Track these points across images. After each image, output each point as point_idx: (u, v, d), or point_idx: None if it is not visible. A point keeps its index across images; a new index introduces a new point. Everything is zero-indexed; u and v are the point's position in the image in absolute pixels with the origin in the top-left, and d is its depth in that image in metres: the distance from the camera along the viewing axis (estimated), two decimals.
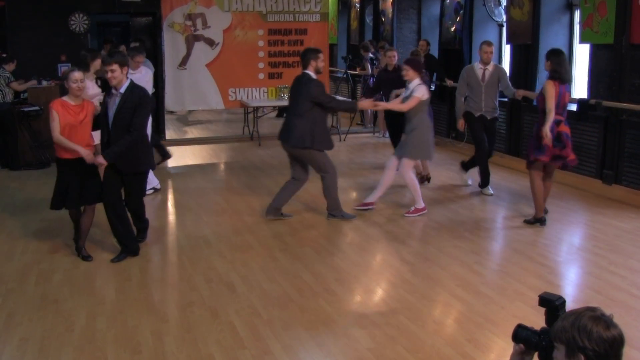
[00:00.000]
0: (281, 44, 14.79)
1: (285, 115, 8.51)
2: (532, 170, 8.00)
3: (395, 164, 8.66)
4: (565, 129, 7.83)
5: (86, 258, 7.02)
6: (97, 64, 8.83)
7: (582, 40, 10.10)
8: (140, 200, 7.30)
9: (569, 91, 8.13)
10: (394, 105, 8.71)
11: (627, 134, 9.24)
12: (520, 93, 9.46)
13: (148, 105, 6.96)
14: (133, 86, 6.81)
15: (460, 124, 9.87)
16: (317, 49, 8.58)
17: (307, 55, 8.25)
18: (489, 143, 9.70)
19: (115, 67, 6.64)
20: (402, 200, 9.42)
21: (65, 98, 6.93)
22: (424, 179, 10.30)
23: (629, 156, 9.22)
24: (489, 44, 9.62)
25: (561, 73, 7.78)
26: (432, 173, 10.61)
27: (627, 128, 9.25)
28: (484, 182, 9.71)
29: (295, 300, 5.96)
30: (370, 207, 8.75)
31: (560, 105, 7.81)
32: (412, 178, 8.65)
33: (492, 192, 9.59)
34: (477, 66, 9.63)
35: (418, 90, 8.42)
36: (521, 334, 2.87)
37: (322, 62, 8.33)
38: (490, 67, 9.53)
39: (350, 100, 8.07)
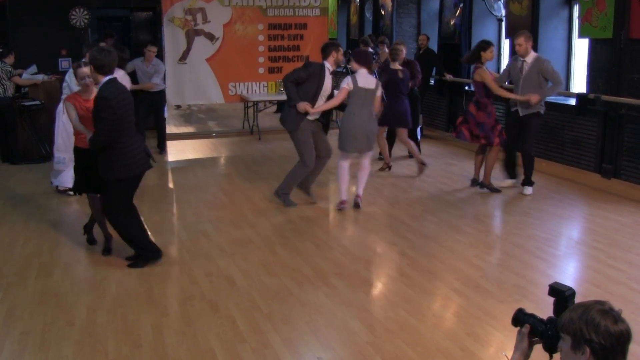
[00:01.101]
0: (281, 39, 14.79)
1: None
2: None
3: (362, 159, 8.72)
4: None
5: (91, 242, 7.32)
6: None
7: (581, 34, 10.13)
8: (106, 208, 6.67)
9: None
10: (326, 105, 8.52)
11: (626, 128, 9.26)
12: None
13: (102, 110, 6.15)
14: (101, 87, 6.30)
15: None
16: (337, 42, 9.18)
17: (328, 48, 8.62)
18: (521, 140, 9.23)
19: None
20: (402, 195, 9.44)
21: (79, 92, 6.94)
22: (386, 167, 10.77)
23: (628, 150, 9.24)
24: (517, 35, 9.17)
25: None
26: (432, 167, 10.67)
27: (626, 122, 9.27)
28: (509, 174, 9.71)
29: (295, 294, 5.97)
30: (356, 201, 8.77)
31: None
32: (342, 169, 8.68)
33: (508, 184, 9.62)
34: (519, 57, 9.12)
35: (344, 80, 8.49)
36: (526, 320, 2.89)
37: (342, 55, 8.70)
38: (529, 59, 8.95)
39: (296, 98, 8.20)
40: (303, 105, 8.37)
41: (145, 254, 6.69)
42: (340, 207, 8.60)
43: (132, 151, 6.43)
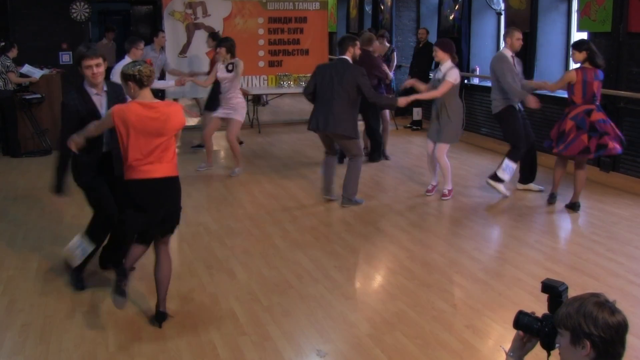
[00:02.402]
0: (281, 32, 14.84)
1: (316, 99, 8.52)
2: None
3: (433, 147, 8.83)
4: (598, 115, 7.90)
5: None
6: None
7: (580, 28, 10.14)
8: None
9: (600, 79, 7.99)
10: (429, 94, 8.60)
11: (625, 121, 9.28)
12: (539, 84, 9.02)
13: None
14: (110, 83, 5.92)
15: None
16: (354, 36, 8.94)
17: (345, 42, 8.49)
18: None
19: (100, 60, 5.65)
20: (402, 188, 9.45)
21: None
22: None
23: (627, 143, 9.25)
24: (517, 30, 9.02)
25: (595, 60, 7.93)
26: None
27: (624, 115, 9.29)
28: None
29: (295, 286, 6.00)
30: (448, 197, 8.86)
31: (588, 95, 7.88)
32: (447, 161, 8.77)
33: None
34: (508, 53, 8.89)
35: (451, 74, 8.44)
36: (522, 320, 2.90)
37: (359, 49, 8.58)
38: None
39: (390, 96, 8.31)
40: (405, 100, 8.55)
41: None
42: (449, 196, 8.84)
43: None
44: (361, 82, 8.15)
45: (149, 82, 5.08)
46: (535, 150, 9.07)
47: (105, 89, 5.75)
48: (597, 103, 7.98)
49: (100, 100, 5.72)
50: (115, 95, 5.76)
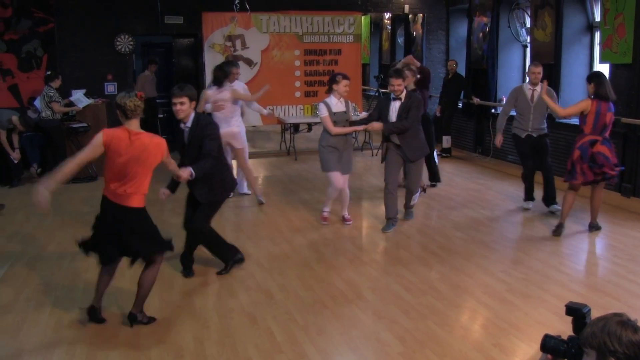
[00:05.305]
0: (316, 64, 15.16)
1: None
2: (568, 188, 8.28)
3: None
4: (601, 148, 7.94)
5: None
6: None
7: (602, 60, 10.26)
8: (201, 227, 7.09)
9: (612, 111, 8.04)
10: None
11: None
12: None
13: (215, 134, 6.67)
14: (199, 118, 6.62)
15: (498, 139, 9.59)
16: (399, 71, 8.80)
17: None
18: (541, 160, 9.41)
19: (185, 99, 6.43)
20: (433, 212, 9.65)
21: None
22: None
23: None
24: (536, 64, 9.27)
25: (601, 92, 7.91)
26: (460, 186, 10.88)
27: None
28: (528, 197, 9.78)
29: (330, 306, 6.16)
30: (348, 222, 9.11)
31: (598, 125, 7.94)
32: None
33: (530, 207, 9.75)
34: (526, 87, 9.32)
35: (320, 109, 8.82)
36: (549, 343, 2.97)
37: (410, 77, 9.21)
38: (538, 88, 9.09)
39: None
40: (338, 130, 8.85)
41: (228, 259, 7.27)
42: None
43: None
44: None
45: (133, 116, 5.58)
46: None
47: (188, 124, 6.57)
48: (606, 135, 8.05)
49: (185, 132, 6.62)
50: (198, 128, 6.55)
